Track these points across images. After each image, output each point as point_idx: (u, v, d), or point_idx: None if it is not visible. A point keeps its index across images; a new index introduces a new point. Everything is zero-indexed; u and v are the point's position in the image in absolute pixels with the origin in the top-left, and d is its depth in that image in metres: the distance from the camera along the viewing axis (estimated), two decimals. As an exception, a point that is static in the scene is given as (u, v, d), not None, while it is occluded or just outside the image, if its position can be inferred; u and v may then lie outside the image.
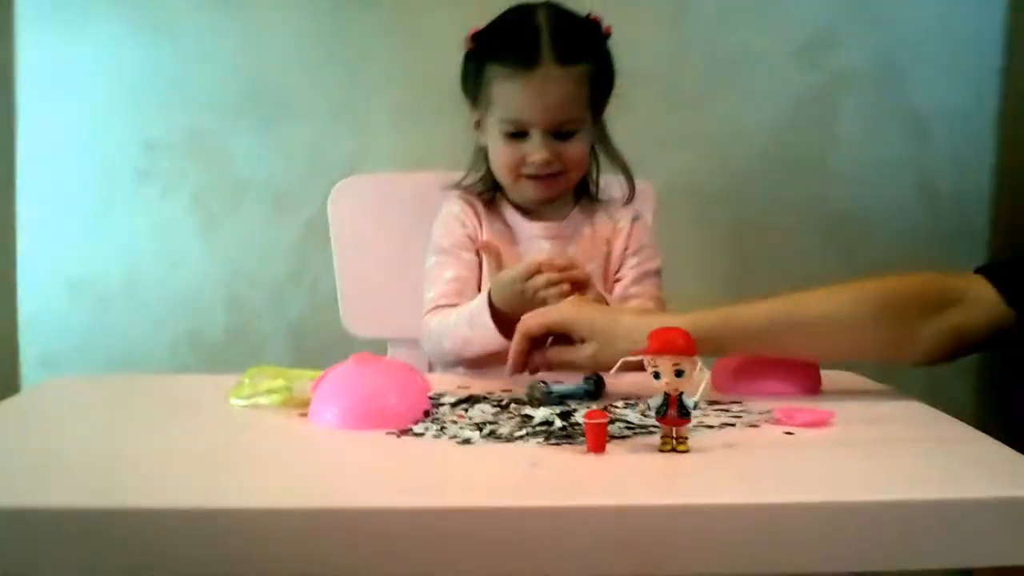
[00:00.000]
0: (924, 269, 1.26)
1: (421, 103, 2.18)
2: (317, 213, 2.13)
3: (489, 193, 1.67)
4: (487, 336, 1.45)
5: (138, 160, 2.23)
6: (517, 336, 1.30)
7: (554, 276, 1.39)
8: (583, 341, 1.27)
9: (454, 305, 1.56)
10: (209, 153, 2.24)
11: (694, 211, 2.25)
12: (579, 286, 1.40)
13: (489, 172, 1.66)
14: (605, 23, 1.62)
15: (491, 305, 1.45)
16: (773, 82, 2.27)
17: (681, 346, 1.02)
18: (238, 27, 2.22)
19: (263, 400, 1.22)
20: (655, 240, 1.71)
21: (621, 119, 2.19)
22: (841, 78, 2.27)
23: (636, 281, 1.64)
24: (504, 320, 1.43)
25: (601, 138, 1.66)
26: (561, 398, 1.23)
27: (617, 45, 2.18)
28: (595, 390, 1.25)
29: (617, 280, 1.65)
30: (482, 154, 1.66)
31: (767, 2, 2.26)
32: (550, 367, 1.30)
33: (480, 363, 1.50)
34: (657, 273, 1.66)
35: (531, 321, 1.30)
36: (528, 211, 1.65)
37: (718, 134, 2.26)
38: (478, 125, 1.64)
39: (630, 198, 1.68)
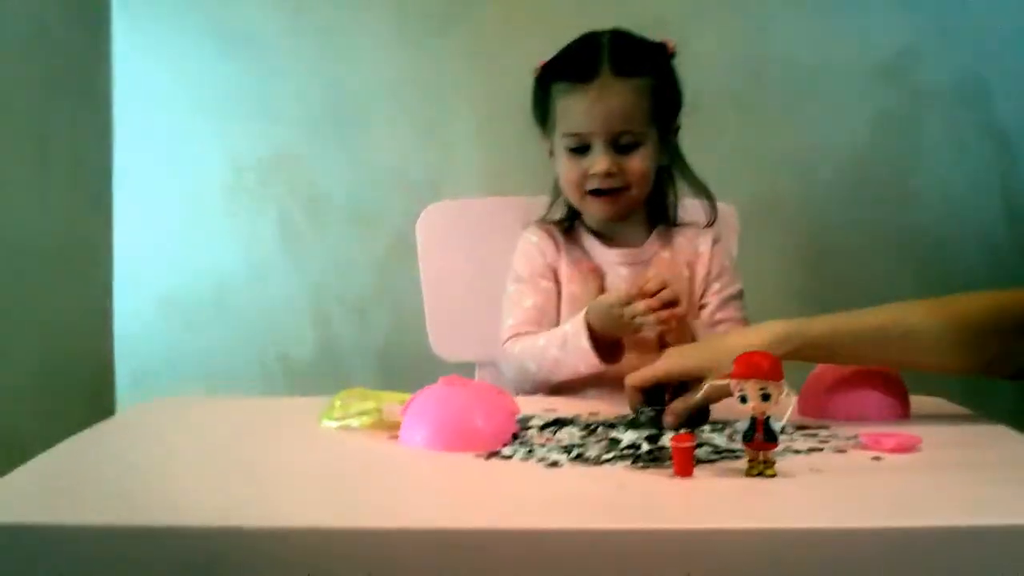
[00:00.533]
0: (1011, 288, 1.26)
1: (502, 125, 2.20)
2: (400, 232, 2.17)
3: (568, 222, 1.69)
4: (581, 358, 1.48)
5: (226, 178, 2.28)
6: (630, 392, 1.27)
7: (653, 303, 1.42)
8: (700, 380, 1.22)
9: (532, 332, 1.59)
10: (294, 171, 2.28)
11: (775, 231, 2.25)
12: (673, 310, 1.42)
13: (566, 200, 1.68)
14: (671, 44, 1.65)
15: (588, 328, 1.48)
16: (854, 100, 2.26)
17: (767, 370, 1.02)
18: (323, 48, 2.26)
19: (354, 422, 1.24)
20: (738, 261, 1.72)
21: (703, 139, 2.22)
22: (923, 95, 2.25)
23: (721, 307, 1.65)
24: (599, 343, 1.47)
25: (675, 159, 1.68)
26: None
27: (697, 63, 2.20)
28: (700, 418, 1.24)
29: (702, 306, 1.65)
30: (557, 183, 1.68)
31: (847, 19, 2.25)
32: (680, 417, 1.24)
33: (562, 388, 1.52)
34: (739, 296, 1.67)
35: (638, 377, 1.26)
36: (605, 237, 1.67)
37: (799, 153, 2.26)
38: (551, 153, 1.66)
39: (712, 220, 1.69)
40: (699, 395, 1.14)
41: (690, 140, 2.18)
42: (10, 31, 2.05)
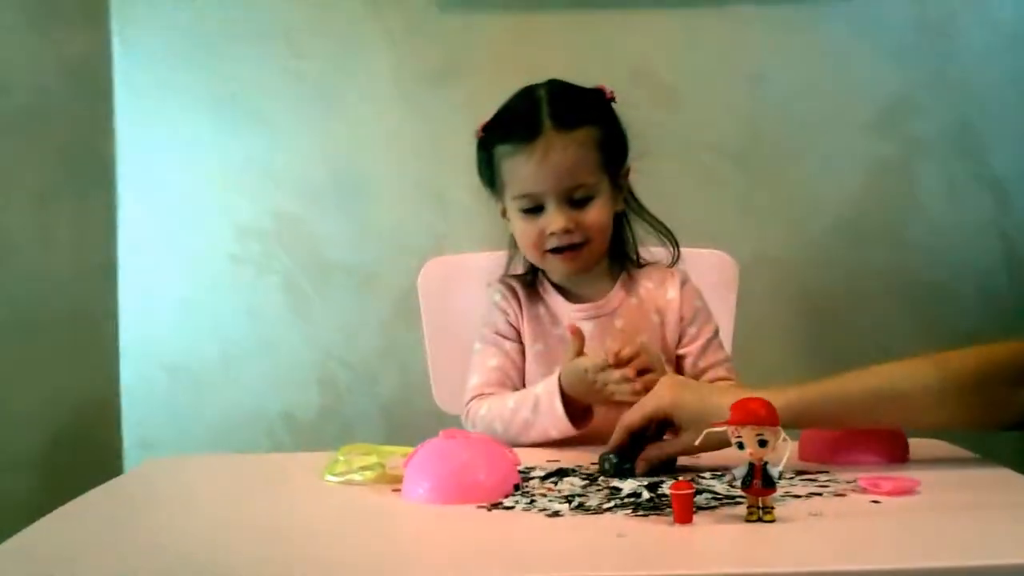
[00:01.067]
0: (1008, 337, 1.27)
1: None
2: (404, 292, 2.19)
3: (530, 275, 1.67)
4: (553, 423, 1.47)
5: (231, 245, 2.31)
6: (619, 431, 1.28)
7: (628, 372, 1.39)
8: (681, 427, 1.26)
9: (492, 394, 1.58)
10: (298, 236, 2.31)
11: (773, 282, 2.26)
12: (647, 379, 1.38)
13: (524, 258, 1.66)
14: (609, 90, 1.62)
15: (561, 392, 1.46)
16: (848, 151, 2.28)
17: (763, 416, 1.03)
18: (323, 115, 2.29)
19: (357, 477, 1.25)
20: (737, 312, 1.73)
21: (701, 193, 2.25)
22: (918, 145, 2.27)
23: (702, 353, 1.62)
24: (571, 406, 1.46)
25: (630, 204, 1.65)
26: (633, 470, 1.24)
27: (693, 119, 2.25)
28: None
29: (681, 356, 1.63)
30: (514, 240, 1.66)
31: (841, 71, 2.28)
32: (651, 463, 1.26)
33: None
34: (717, 334, 1.65)
35: (631, 416, 1.28)
36: (568, 291, 1.64)
37: (795, 204, 2.28)
38: (504, 214, 1.64)
39: (675, 259, 1.67)
40: (696, 442, 1.14)
41: (688, 193, 2.23)
42: (14, 103, 2.09)
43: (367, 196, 2.30)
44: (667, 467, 1.25)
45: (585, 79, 1.64)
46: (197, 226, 2.31)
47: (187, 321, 2.31)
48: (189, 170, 2.31)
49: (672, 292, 1.64)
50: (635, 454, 1.25)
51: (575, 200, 1.55)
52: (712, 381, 1.57)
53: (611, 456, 1.25)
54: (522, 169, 1.55)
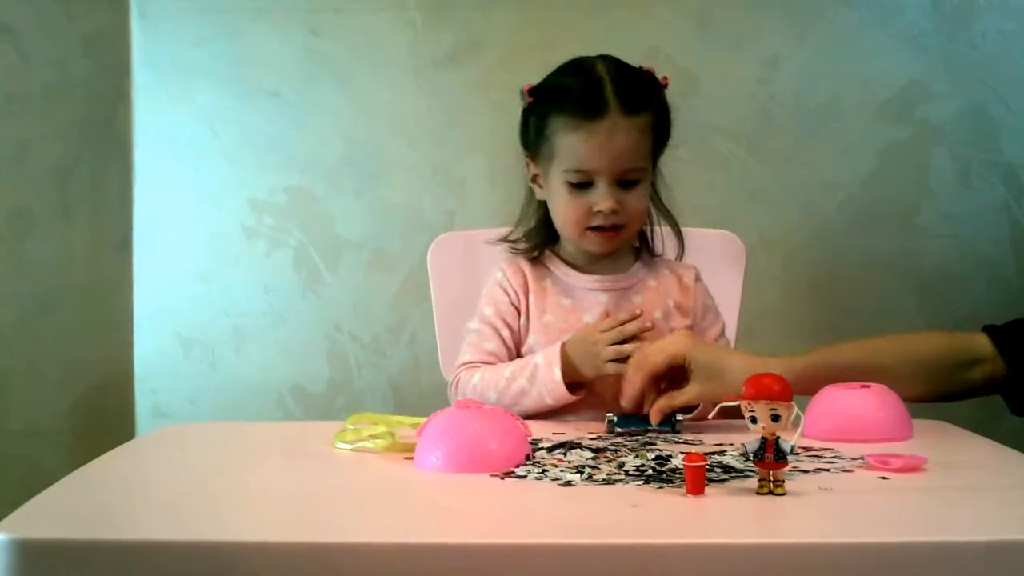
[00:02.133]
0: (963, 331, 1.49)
1: (512, 162, 2.23)
2: (415, 268, 2.21)
3: (537, 249, 1.67)
4: (550, 390, 1.51)
5: (245, 219, 2.32)
6: (639, 374, 1.40)
7: (629, 328, 1.50)
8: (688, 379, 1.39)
9: (484, 363, 1.61)
10: (311, 212, 2.32)
11: (783, 265, 2.27)
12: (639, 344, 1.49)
13: (539, 226, 1.67)
14: (662, 76, 1.63)
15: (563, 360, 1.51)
16: (861, 136, 2.28)
17: (777, 392, 1.05)
18: (338, 93, 2.31)
19: (368, 445, 1.27)
20: (744, 294, 1.74)
21: (713, 175, 2.26)
22: (930, 130, 2.27)
23: None
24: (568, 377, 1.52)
25: (656, 190, 1.66)
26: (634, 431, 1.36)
27: (707, 103, 2.25)
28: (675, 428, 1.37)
29: None
30: (533, 208, 1.68)
31: (855, 57, 2.28)
32: (663, 412, 1.38)
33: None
34: (723, 333, 1.68)
35: (652, 357, 1.41)
36: (579, 266, 1.66)
37: (807, 188, 2.28)
38: (535, 179, 1.65)
39: (680, 253, 1.69)
40: (710, 415, 1.16)
41: (700, 178, 2.24)
42: (35, 77, 2.10)
43: (380, 173, 2.31)
44: (671, 424, 1.37)
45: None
46: (212, 201, 2.33)
47: (201, 294, 2.33)
48: (205, 145, 2.32)
49: (687, 279, 1.66)
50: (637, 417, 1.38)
51: (623, 182, 1.57)
52: None
53: (611, 416, 1.37)
54: (582, 146, 1.55)
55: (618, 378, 1.46)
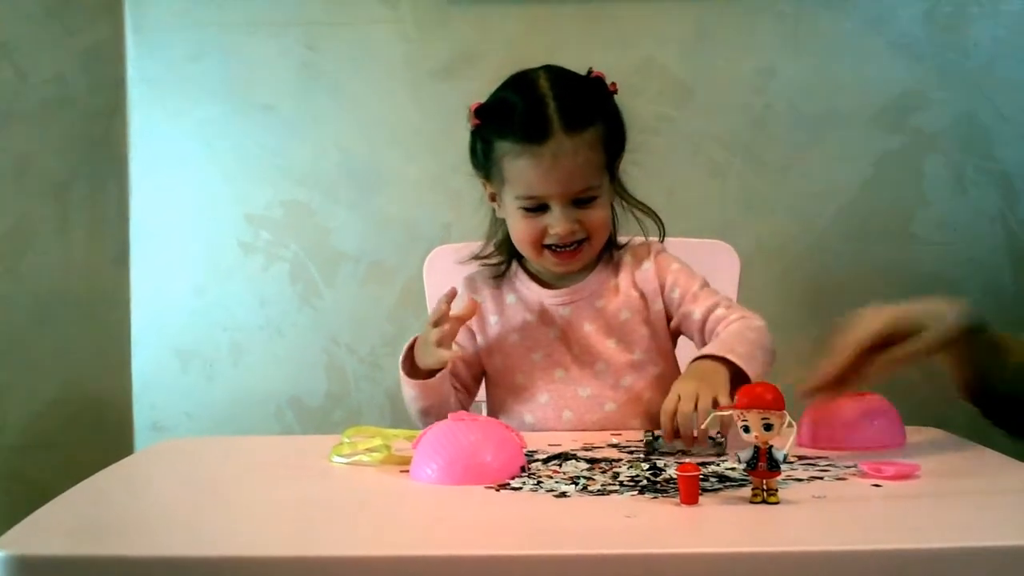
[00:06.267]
0: (1010, 331, 1.39)
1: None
2: (411, 282, 2.21)
3: (503, 265, 1.64)
4: (402, 375, 1.54)
5: (241, 233, 2.33)
6: (853, 346, 1.33)
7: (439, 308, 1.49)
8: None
9: None
10: (308, 226, 2.33)
11: (779, 274, 2.28)
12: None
13: (506, 241, 1.62)
14: (610, 81, 1.56)
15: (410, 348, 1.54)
16: (857, 144, 2.29)
17: (769, 401, 1.05)
18: (334, 106, 2.31)
19: (364, 458, 1.27)
20: (740, 298, 1.74)
21: (708, 184, 2.26)
22: (925, 138, 2.28)
23: (695, 300, 1.57)
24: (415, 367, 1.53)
25: (620, 194, 1.61)
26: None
27: (703, 112, 2.26)
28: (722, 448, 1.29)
29: (686, 314, 1.57)
30: (498, 224, 1.63)
31: (849, 66, 2.28)
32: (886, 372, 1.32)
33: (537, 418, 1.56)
34: (705, 284, 1.59)
35: (872, 325, 1.34)
36: (544, 280, 1.61)
37: (803, 197, 2.29)
38: (493, 198, 1.60)
39: (661, 238, 1.64)
40: (702, 425, 1.17)
41: (696, 187, 2.24)
42: (32, 92, 2.11)
43: (376, 186, 2.32)
44: (714, 442, 1.29)
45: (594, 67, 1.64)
46: (209, 215, 2.33)
47: (198, 308, 2.33)
48: (201, 159, 2.33)
49: (647, 264, 1.59)
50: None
51: (579, 201, 1.51)
52: (723, 321, 1.53)
53: (653, 434, 1.32)
54: (528, 172, 1.49)
55: (658, 391, 1.48)
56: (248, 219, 2.33)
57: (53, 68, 2.17)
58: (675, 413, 1.30)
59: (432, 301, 1.87)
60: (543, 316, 1.60)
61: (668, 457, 1.27)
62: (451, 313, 1.49)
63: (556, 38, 2.26)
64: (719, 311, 1.55)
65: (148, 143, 2.33)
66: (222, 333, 2.33)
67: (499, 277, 1.64)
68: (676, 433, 1.30)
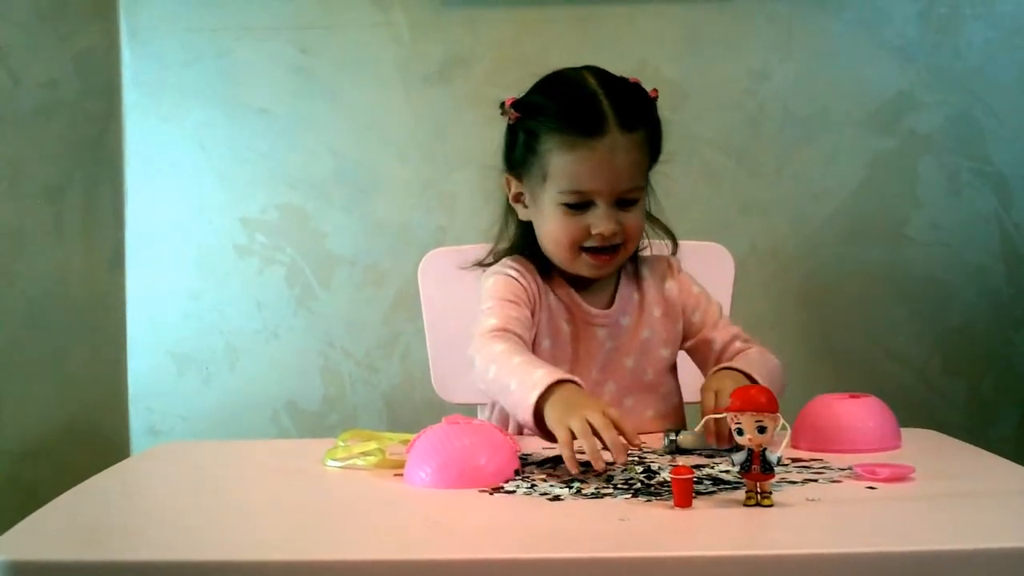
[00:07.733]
0: (1006, 333, 1.32)
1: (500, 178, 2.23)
2: (406, 284, 2.21)
3: (545, 265, 1.55)
4: (523, 410, 1.30)
5: (237, 236, 2.33)
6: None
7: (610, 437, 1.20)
8: None
9: (518, 336, 1.44)
10: (303, 229, 2.33)
11: (773, 276, 2.28)
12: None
13: (518, 247, 1.58)
14: (651, 89, 1.54)
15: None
16: (850, 146, 2.29)
17: (763, 404, 1.05)
18: (328, 110, 2.32)
19: (358, 462, 1.27)
20: (734, 305, 1.75)
21: (702, 186, 2.27)
22: (919, 140, 2.28)
23: (715, 327, 1.57)
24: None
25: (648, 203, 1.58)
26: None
27: (696, 114, 2.27)
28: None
29: (707, 341, 1.57)
30: (514, 227, 1.59)
31: (842, 67, 2.29)
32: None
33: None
34: (721, 311, 1.60)
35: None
36: (580, 286, 1.56)
37: (797, 199, 2.29)
38: (518, 198, 1.56)
39: (674, 252, 1.62)
40: (697, 428, 1.17)
41: (690, 190, 2.25)
42: (26, 97, 2.11)
43: (371, 189, 2.32)
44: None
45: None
46: (204, 219, 2.33)
47: (194, 311, 2.33)
48: (196, 163, 2.33)
49: (670, 283, 1.59)
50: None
51: (622, 202, 1.47)
52: (741, 353, 1.52)
53: (672, 434, 1.34)
54: (579, 166, 1.45)
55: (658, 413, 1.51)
56: (243, 223, 2.33)
57: (47, 72, 2.16)
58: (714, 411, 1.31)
59: (427, 303, 1.87)
60: (578, 326, 1.55)
61: (690, 456, 1.29)
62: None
63: (549, 41, 2.27)
64: (738, 344, 1.56)
65: (143, 147, 2.34)
66: (218, 337, 2.33)
67: (544, 274, 1.55)
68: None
